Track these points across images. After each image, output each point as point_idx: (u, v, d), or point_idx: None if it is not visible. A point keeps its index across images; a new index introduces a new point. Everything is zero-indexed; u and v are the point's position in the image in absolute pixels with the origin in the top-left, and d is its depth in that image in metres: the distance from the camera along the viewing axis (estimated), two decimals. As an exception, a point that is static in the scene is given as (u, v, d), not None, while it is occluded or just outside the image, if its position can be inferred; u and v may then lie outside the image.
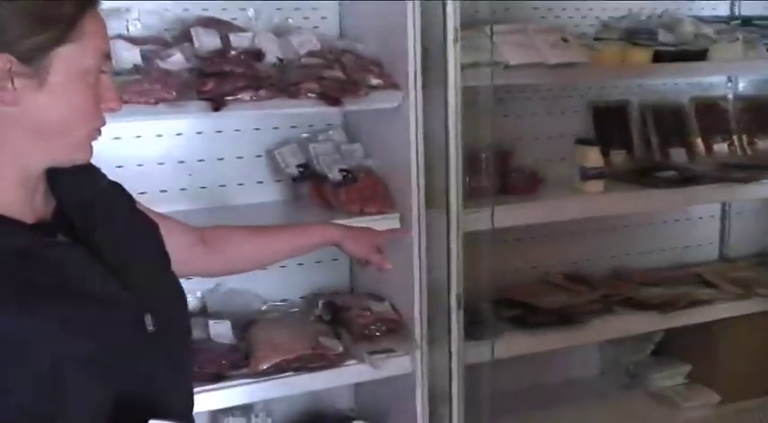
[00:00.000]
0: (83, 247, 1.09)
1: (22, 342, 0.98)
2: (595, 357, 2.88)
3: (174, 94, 1.85)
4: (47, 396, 1.00)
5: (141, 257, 1.17)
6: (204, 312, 2.15)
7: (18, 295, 0.99)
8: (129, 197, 1.29)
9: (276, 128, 2.31)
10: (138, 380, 1.09)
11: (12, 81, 1.00)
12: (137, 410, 1.05)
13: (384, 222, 2.12)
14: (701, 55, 2.61)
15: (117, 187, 1.26)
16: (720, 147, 2.91)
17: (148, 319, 1.11)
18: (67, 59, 1.03)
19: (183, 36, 2.05)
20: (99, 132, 1.10)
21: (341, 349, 2.07)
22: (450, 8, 2.10)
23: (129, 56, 1.90)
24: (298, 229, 1.71)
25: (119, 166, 2.02)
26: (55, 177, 1.12)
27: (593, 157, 2.49)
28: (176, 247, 1.30)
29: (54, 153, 1.08)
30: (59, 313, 1.02)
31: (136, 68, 1.89)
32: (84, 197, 1.15)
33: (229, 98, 1.91)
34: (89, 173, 1.18)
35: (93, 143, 1.11)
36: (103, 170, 1.24)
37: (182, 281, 1.26)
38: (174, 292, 1.23)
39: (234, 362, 1.97)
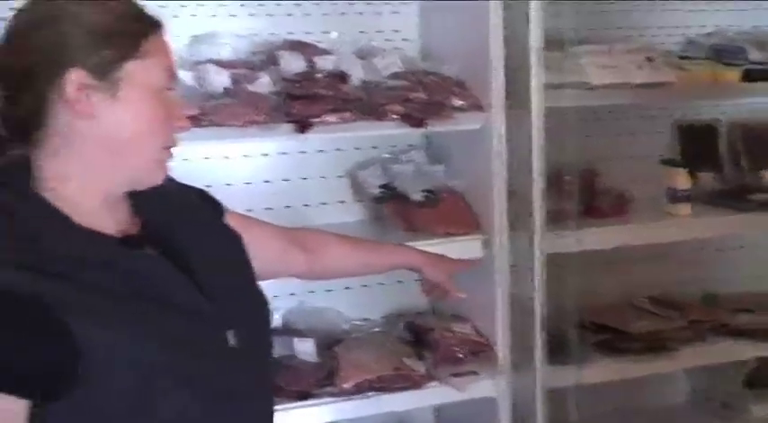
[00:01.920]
0: (168, 261, 1.11)
1: (114, 352, 0.99)
2: (684, 384, 2.79)
3: (264, 116, 1.89)
4: (138, 408, 1.01)
5: (226, 272, 1.18)
6: (288, 330, 2.17)
7: (104, 306, 1.00)
8: (216, 207, 1.31)
9: (358, 149, 2.32)
10: (220, 394, 1.10)
11: (86, 94, 1.04)
12: None
13: (468, 244, 2.11)
14: (793, 73, 2.52)
15: (205, 199, 1.29)
16: (816, 168, 2.80)
17: (231, 335, 1.13)
18: (136, 74, 1.06)
19: (269, 59, 2.09)
20: (171, 153, 1.13)
21: (424, 370, 2.06)
22: (533, 29, 2.10)
23: (219, 80, 1.95)
24: (385, 248, 1.75)
25: (207, 186, 2.03)
26: (140, 194, 1.14)
27: (682, 179, 2.43)
28: (271, 249, 1.36)
29: (131, 172, 1.10)
30: (144, 324, 1.03)
31: (226, 92, 1.94)
32: (170, 212, 1.17)
33: (316, 120, 1.94)
34: (174, 189, 1.20)
35: (167, 164, 1.13)
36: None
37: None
38: (257, 306, 1.24)
39: (318, 380, 1.98)
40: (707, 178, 2.67)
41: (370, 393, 1.98)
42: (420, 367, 2.05)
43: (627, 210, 2.42)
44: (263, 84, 1.98)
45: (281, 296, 2.22)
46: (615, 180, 2.50)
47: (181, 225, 1.17)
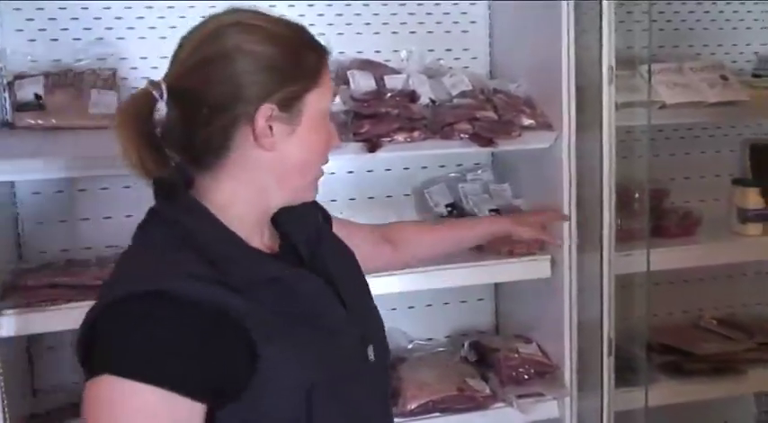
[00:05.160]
0: (321, 279, 1.14)
1: (283, 369, 1.02)
2: (753, 408, 2.73)
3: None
4: (302, 414, 1.04)
5: (357, 287, 1.23)
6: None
7: (276, 323, 1.03)
8: (327, 217, 1.35)
9: (425, 167, 2.33)
10: (362, 407, 1.13)
11: (271, 128, 1.07)
12: None
13: (536, 264, 2.10)
14: None
15: (319, 209, 1.32)
16: None
17: (370, 350, 1.17)
18: (313, 105, 1.09)
19: (340, 78, 2.11)
20: (323, 172, 1.17)
21: (488, 391, 2.06)
22: (606, 47, 2.07)
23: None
24: (469, 223, 1.86)
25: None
26: (281, 214, 1.17)
27: (754, 199, 2.39)
28: (365, 247, 1.41)
29: (291, 193, 1.13)
30: (307, 342, 1.06)
31: (297, 111, 1.95)
32: (310, 231, 1.21)
33: (385, 139, 1.95)
34: (313, 207, 1.25)
35: (319, 182, 1.17)
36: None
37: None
38: (380, 320, 1.27)
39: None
40: (778, 198, 2.62)
41: (434, 414, 1.98)
42: (484, 388, 2.05)
43: (695, 230, 2.38)
44: (335, 103, 2.00)
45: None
46: (684, 199, 2.47)
47: (316, 241, 1.21)
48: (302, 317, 1.07)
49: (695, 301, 2.63)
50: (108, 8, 2.06)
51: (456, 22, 2.35)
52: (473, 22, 2.36)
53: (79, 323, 1.03)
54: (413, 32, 2.30)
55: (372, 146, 1.94)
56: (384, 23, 2.27)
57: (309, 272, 1.14)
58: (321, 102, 1.10)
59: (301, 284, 1.10)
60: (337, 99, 2.00)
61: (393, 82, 2.10)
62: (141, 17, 2.09)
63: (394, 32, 2.29)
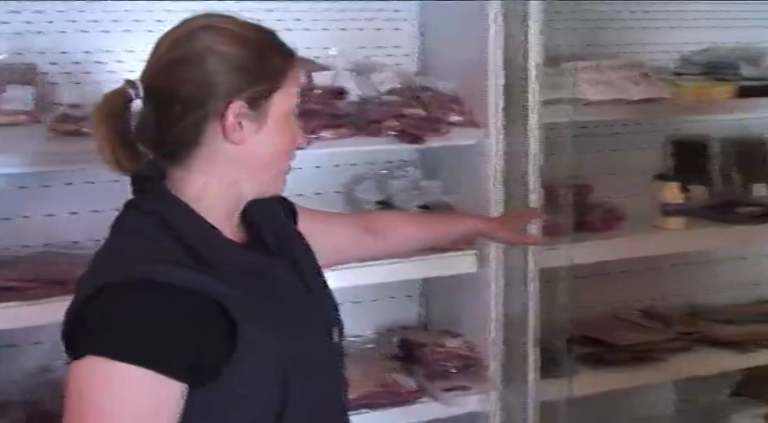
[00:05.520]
0: (290, 266, 1.23)
1: (261, 349, 1.09)
2: (671, 395, 2.83)
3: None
4: (277, 391, 1.11)
5: (317, 276, 1.30)
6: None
7: (254, 306, 1.10)
8: (292, 211, 1.39)
9: (354, 164, 2.34)
10: (326, 390, 1.22)
11: (240, 124, 1.13)
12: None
13: (462, 258, 2.13)
14: (787, 89, 2.56)
15: (283, 202, 1.36)
16: (804, 181, 2.84)
17: (335, 332, 1.27)
18: (279, 104, 1.16)
19: (267, 75, 2.10)
20: (290, 166, 1.23)
21: (413, 386, 2.08)
22: (533, 45, 2.11)
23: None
24: (452, 219, 1.88)
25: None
26: (248, 207, 1.23)
27: (673, 194, 2.46)
28: (344, 236, 1.49)
29: (260, 185, 1.19)
30: (286, 324, 1.15)
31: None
32: (276, 223, 1.27)
33: (312, 136, 1.95)
34: (277, 202, 1.30)
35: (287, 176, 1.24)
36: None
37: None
38: (337, 306, 1.33)
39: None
40: (698, 192, 2.70)
41: (359, 411, 1.97)
42: (409, 383, 2.07)
43: (619, 224, 2.44)
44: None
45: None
46: (608, 195, 2.53)
47: (281, 232, 1.27)
48: (276, 301, 1.15)
49: (618, 293, 2.70)
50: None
51: (387, 20, 2.35)
52: (404, 19, 2.37)
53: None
54: (343, 30, 2.30)
55: (299, 143, 1.94)
56: (314, 20, 2.26)
57: (279, 260, 1.23)
58: (286, 102, 1.16)
59: (273, 271, 1.18)
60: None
61: (321, 79, 2.10)
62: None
63: (325, 29, 2.28)
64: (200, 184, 1.15)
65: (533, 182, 2.16)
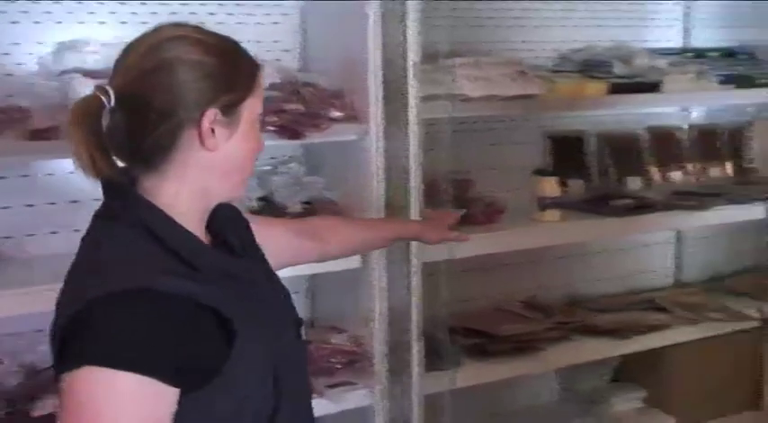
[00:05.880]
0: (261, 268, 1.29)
1: (252, 348, 1.14)
2: (554, 384, 2.92)
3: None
4: (271, 390, 1.17)
5: (276, 278, 1.34)
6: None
7: (241, 308, 1.13)
8: (244, 220, 1.40)
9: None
10: (303, 385, 1.31)
11: (213, 131, 1.15)
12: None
13: (344, 255, 2.13)
14: (654, 86, 2.67)
15: (235, 211, 1.38)
16: (675, 174, 2.98)
17: (302, 329, 1.35)
18: (249, 110, 1.19)
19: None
20: (253, 171, 1.28)
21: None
22: (411, 42, 2.14)
23: (84, 91, 1.88)
24: (382, 224, 1.94)
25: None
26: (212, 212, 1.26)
27: (550, 188, 2.53)
28: (285, 242, 1.51)
29: (230, 189, 1.23)
30: (269, 323, 1.20)
31: (94, 103, 1.88)
32: (239, 226, 1.32)
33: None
34: (233, 208, 1.34)
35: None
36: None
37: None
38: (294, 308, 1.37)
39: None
40: (576, 186, 2.80)
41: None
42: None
43: (499, 218, 2.50)
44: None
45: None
46: (489, 189, 2.59)
47: (242, 233, 1.31)
48: (257, 303, 1.19)
49: (502, 285, 2.76)
50: None
51: (267, 14, 2.34)
52: (285, 14, 2.35)
53: None
54: (221, 23, 2.25)
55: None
56: (192, 14, 2.22)
57: (251, 262, 1.28)
58: (255, 109, 1.21)
59: (248, 274, 1.23)
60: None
61: (198, 74, 2.06)
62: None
63: (201, 24, 2.23)
64: (172, 191, 1.17)
65: (414, 177, 2.19)
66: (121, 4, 2.14)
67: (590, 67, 2.69)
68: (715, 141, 3.07)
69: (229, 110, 1.16)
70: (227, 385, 1.11)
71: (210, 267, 1.14)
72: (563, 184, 2.67)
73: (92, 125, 1.12)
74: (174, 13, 2.19)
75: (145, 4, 2.17)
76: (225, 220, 1.28)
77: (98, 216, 1.18)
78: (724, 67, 2.86)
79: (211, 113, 1.14)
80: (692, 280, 3.13)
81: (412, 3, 2.12)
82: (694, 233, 3.11)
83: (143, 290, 1.06)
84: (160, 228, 1.14)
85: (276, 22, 2.34)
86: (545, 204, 2.53)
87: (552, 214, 2.53)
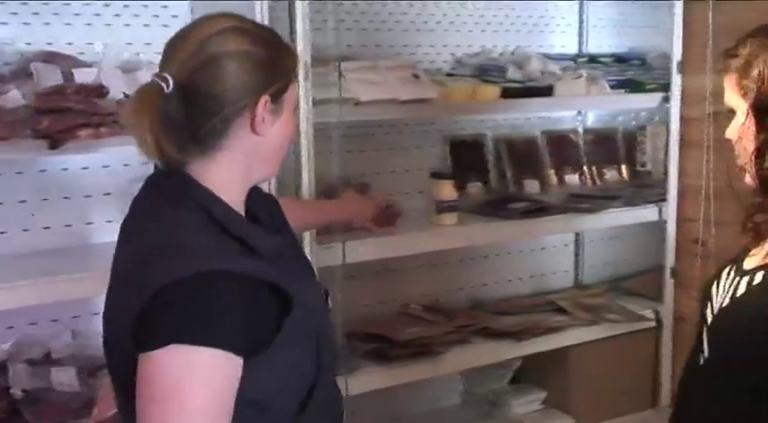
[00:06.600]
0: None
1: (304, 316, 1.23)
2: (458, 387, 2.93)
3: (7, 131, 1.79)
4: (314, 356, 1.27)
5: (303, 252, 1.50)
6: (48, 360, 2.07)
7: (293, 283, 1.23)
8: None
9: (127, 165, 2.25)
10: (335, 352, 1.43)
11: (264, 116, 1.24)
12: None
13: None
14: (546, 91, 2.72)
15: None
16: (571, 178, 3.03)
17: (330, 300, 1.43)
18: (290, 97, 1.29)
19: (21, 71, 1.99)
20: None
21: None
22: (300, 44, 2.13)
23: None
24: (328, 206, 2.16)
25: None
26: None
27: (447, 191, 2.54)
28: None
29: (270, 171, 1.32)
30: (308, 294, 1.28)
31: (-31, 105, 1.82)
32: (268, 205, 1.39)
33: (67, 136, 1.86)
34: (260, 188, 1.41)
35: None
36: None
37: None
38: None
39: (76, 410, 1.90)
40: (475, 189, 2.82)
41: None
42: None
43: (396, 221, 2.49)
44: (12, 97, 1.88)
45: (43, 324, 2.14)
46: (387, 193, 2.58)
47: (272, 211, 1.38)
48: (299, 276, 1.29)
49: (404, 289, 2.76)
50: None
51: (156, 16, 2.29)
52: (174, 16, 2.31)
53: None
54: (108, 25, 2.22)
55: (54, 142, 1.85)
56: (76, 14, 2.17)
57: (286, 239, 1.35)
58: (293, 94, 1.29)
59: (290, 250, 1.34)
60: (15, 93, 1.88)
61: (83, 76, 2.01)
62: None
63: (88, 24, 2.19)
64: (222, 175, 1.24)
65: (306, 180, 2.18)
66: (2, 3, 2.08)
67: (485, 71, 2.72)
68: (610, 145, 3.14)
69: (278, 96, 1.25)
70: (276, 355, 1.19)
71: (265, 248, 1.22)
72: (461, 187, 2.70)
73: (156, 111, 1.18)
74: (56, 13, 2.14)
75: (26, 4, 2.11)
76: (257, 199, 1.34)
77: (153, 199, 1.25)
78: (616, 72, 2.93)
79: (264, 100, 1.22)
80: (591, 281, 3.19)
81: (300, 3, 2.11)
82: (592, 235, 3.18)
83: (222, 271, 1.14)
84: (219, 212, 1.21)
85: (166, 25, 2.29)
86: (442, 207, 2.53)
87: (450, 217, 2.54)
